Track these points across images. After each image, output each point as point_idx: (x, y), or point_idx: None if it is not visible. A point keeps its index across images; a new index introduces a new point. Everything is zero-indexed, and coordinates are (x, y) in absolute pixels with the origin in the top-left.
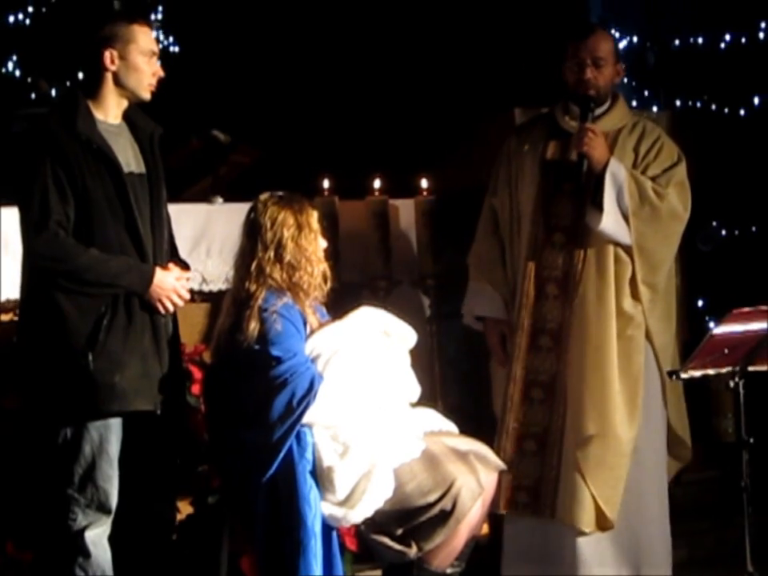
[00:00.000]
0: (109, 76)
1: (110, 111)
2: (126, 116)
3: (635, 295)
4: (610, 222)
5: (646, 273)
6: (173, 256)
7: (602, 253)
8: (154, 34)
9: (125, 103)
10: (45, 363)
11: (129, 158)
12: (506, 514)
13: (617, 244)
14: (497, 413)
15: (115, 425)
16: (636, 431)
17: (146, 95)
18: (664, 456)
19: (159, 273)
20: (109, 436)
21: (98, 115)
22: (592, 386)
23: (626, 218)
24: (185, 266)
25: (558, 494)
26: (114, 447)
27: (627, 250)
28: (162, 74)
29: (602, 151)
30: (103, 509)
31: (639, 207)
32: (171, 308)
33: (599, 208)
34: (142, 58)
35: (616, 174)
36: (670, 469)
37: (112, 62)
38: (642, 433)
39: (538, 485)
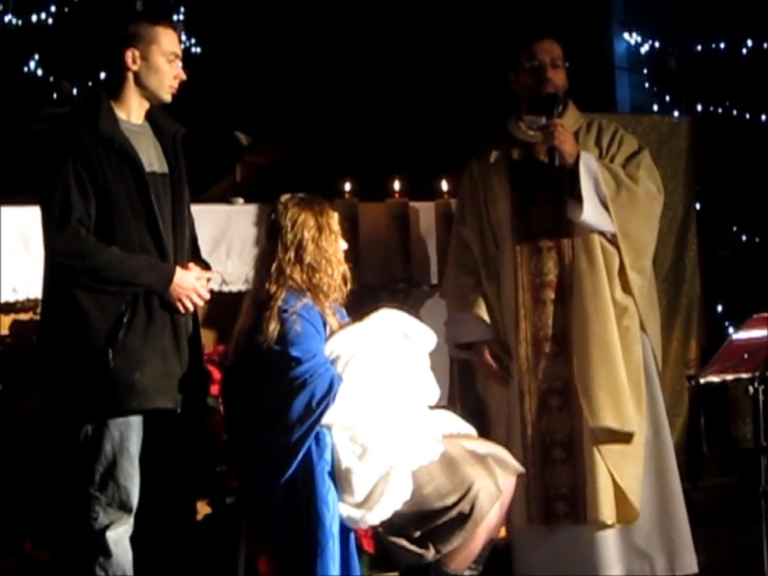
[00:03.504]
0: (130, 76)
1: (132, 111)
2: (150, 116)
3: (625, 286)
4: (591, 211)
5: (633, 258)
6: (195, 256)
7: (589, 246)
8: (178, 36)
9: (147, 104)
10: (65, 361)
11: (151, 157)
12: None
13: (601, 234)
14: (495, 432)
15: (136, 423)
16: (644, 420)
17: (167, 97)
18: (669, 441)
19: (179, 272)
20: (130, 434)
21: (121, 115)
22: (603, 380)
23: (605, 206)
24: (206, 266)
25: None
26: (134, 445)
27: (611, 240)
28: (183, 76)
29: (573, 144)
30: (124, 507)
31: (616, 193)
32: (191, 307)
33: (578, 199)
34: (163, 60)
35: (589, 165)
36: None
37: (134, 61)
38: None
39: (574, 492)
